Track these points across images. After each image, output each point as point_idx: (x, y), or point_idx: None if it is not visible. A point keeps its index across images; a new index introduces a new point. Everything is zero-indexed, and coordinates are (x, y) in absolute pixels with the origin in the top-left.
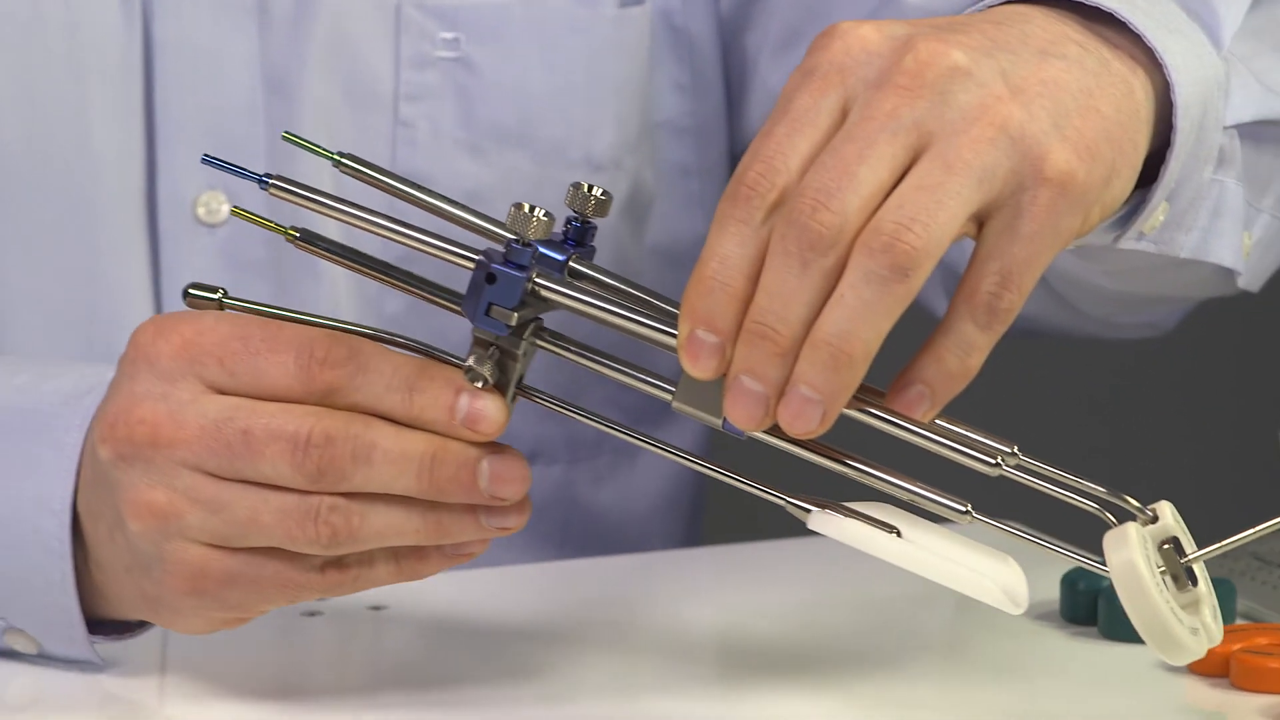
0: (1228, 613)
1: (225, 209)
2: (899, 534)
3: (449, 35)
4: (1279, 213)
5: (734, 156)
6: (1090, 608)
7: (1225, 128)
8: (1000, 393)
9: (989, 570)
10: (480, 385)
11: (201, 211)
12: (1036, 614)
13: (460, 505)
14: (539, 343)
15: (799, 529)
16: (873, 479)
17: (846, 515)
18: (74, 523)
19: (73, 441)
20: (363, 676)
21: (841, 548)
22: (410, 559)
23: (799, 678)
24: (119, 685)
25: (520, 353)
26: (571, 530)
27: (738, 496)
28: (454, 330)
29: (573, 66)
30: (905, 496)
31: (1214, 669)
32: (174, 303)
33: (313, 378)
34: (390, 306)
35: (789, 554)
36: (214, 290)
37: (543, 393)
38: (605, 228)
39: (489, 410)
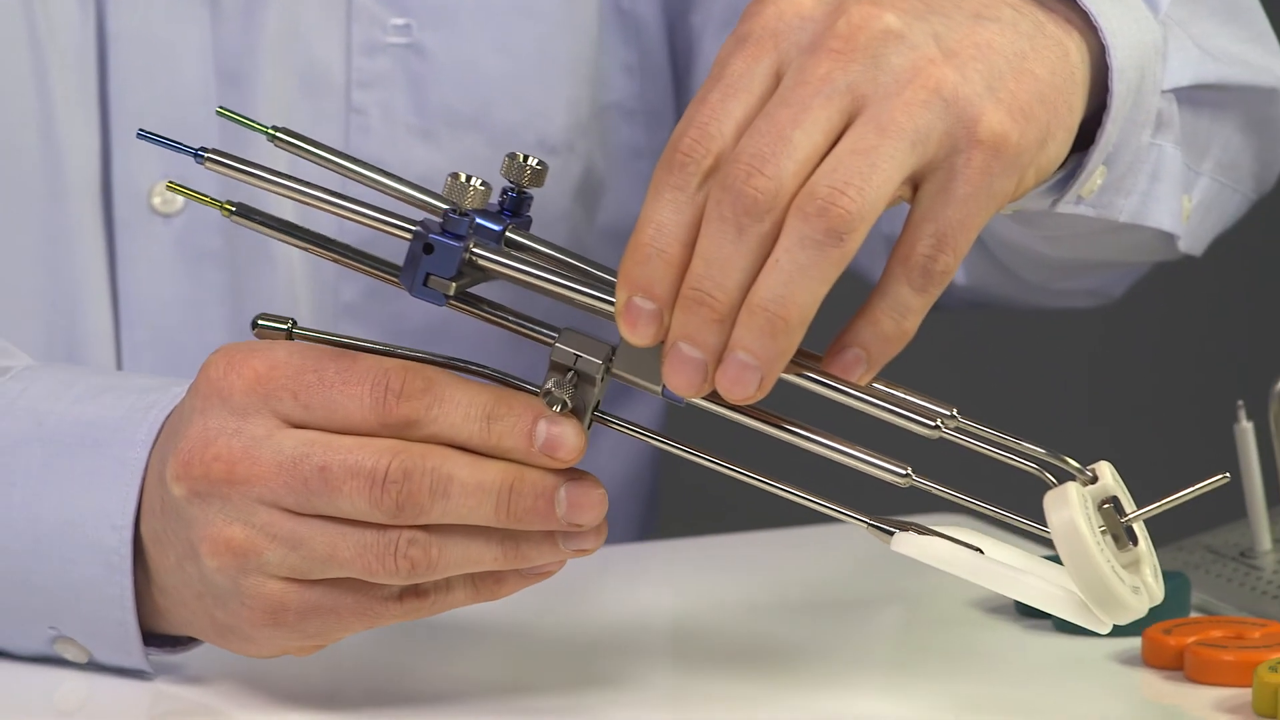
0: (1182, 606)
1: (180, 198)
2: (981, 553)
3: (400, 21)
4: (1218, 176)
5: None
6: None
7: (1163, 92)
8: (951, 363)
9: (1073, 586)
10: (559, 410)
11: (157, 201)
12: (989, 607)
13: (538, 532)
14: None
15: (754, 523)
16: (813, 444)
17: (929, 536)
18: (135, 540)
19: (135, 457)
20: (320, 671)
21: (797, 542)
22: (488, 582)
23: (752, 667)
24: (170, 687)
25: (599, 377)
26: None
27: (696, 486)
28: (413, 315)
29: (524, 50)
30: (845, 461)
31: (1168, 662)
32: (130, 293)
33: (389, 411)
34: (346, 294)
35: (744, 548)
36: (283, 320)
37: (620, 418)
38: (559, 211)
39: (568, 436)
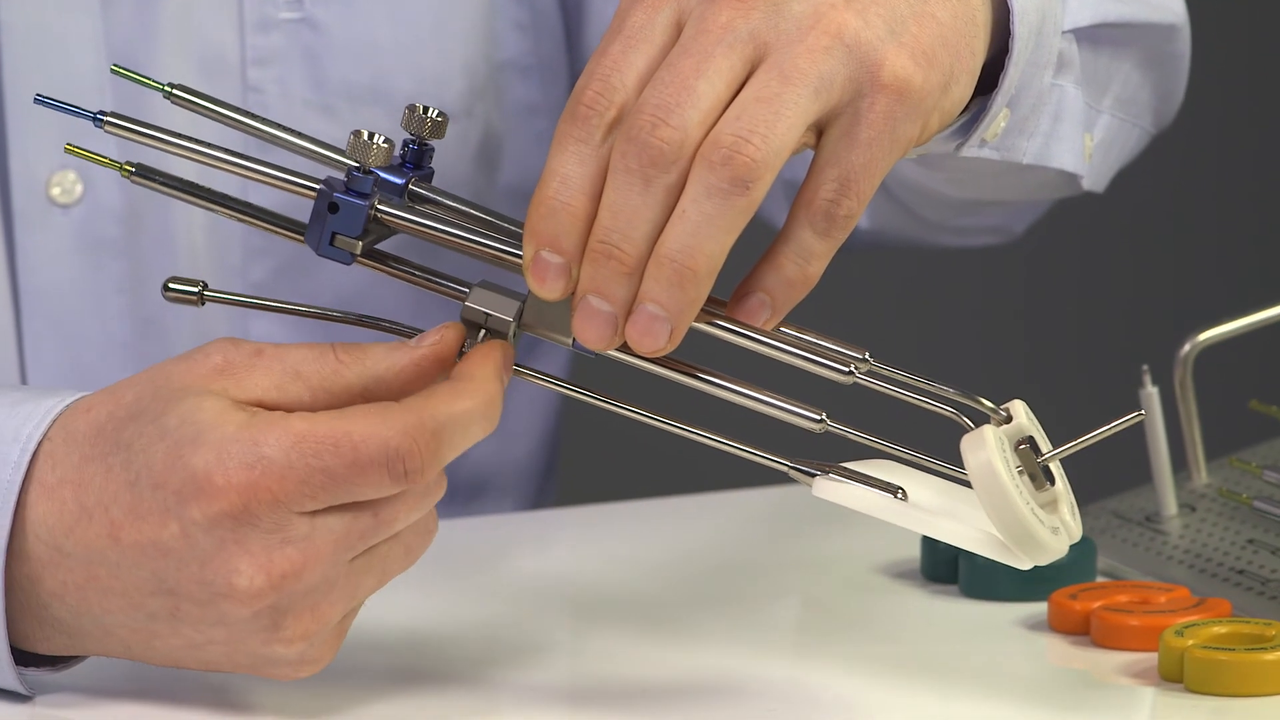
0: (1088, 570)
1: (79, 188)
2: (903, 494)
3: None
4: (1118, 112)
5: None
6: (951, 566)
7: (1064, 32)
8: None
9: (990, 525)
10: None
11: (55, 192)
12: (896, 572)
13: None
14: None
15: (656, 490)
16: (726, 391)
17: (850, 480)
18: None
19: (5, 479)
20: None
21: (702, 508)
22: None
23: (656, 631)
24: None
25: (510, 334)
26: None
27: (598, 454)
28: (325, 291)
29: (418, 18)
30: (758, 408)
31: (1074, 627)
32: (30, 285)
33: (412, 483)
34: (256, 273)
35: (649, 514)
36: (194, 283)
37: (534, 370)
38: (460, 175)
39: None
